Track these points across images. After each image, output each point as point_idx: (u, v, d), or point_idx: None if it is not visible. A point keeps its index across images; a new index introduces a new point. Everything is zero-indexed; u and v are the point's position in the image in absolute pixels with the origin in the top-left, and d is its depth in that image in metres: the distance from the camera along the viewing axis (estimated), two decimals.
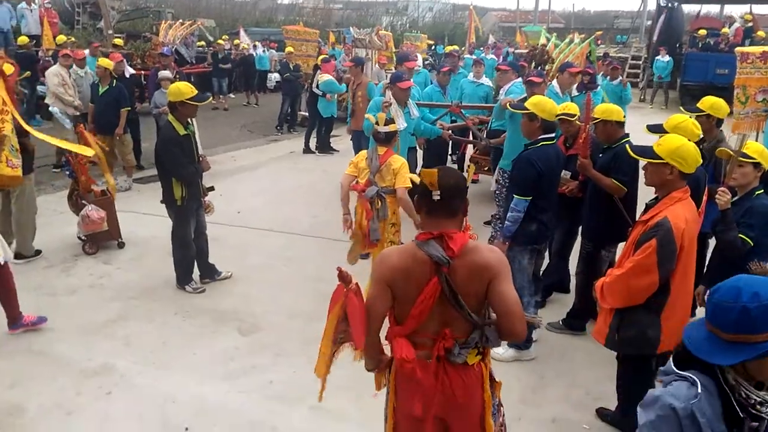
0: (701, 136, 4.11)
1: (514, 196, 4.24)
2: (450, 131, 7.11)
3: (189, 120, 5.15)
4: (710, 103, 4.74)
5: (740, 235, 3.49)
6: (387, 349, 2.51)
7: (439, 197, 2.26)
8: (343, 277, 2.31)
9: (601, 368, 4.35)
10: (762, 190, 3.62)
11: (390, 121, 4.90)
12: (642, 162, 3.29)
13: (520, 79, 7.20)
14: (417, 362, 2.33)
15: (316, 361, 2.56)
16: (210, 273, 5.56)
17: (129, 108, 8.45)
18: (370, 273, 2.34)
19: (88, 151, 5.58)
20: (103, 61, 8.48)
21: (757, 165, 3.59)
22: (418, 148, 7.69)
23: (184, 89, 5.01)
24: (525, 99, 5.69)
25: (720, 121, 4.81)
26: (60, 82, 8.66)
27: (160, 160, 5.15)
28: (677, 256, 3.04)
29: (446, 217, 2.30)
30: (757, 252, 3.60)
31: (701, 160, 3.13)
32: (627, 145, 3.50)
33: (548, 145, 4.30)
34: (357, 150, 8.31)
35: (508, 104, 5.65)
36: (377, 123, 4.87)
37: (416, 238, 2.32)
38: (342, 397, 3.98)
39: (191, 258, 5.37)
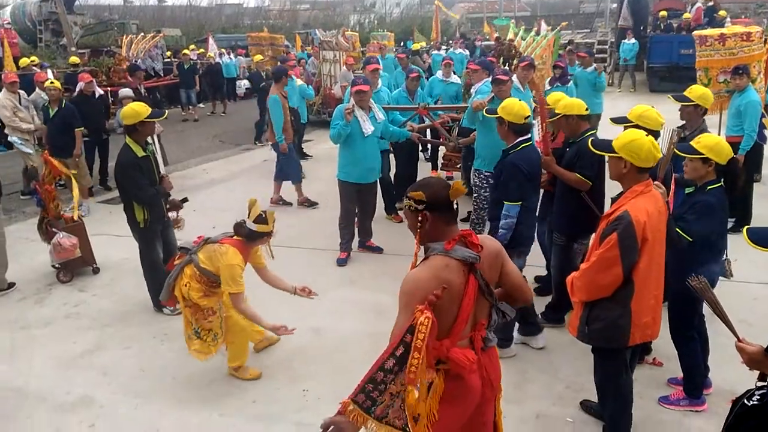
0: (663, 123, 4.17)
1: (505, 202, 4.25)
2: (419, 133, 7.11)
3: (148, 140, 5.08)
4: (699, 93, 4.77)
5: (677, 229, 3.47)
6: None
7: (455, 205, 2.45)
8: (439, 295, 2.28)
9: (582, 360, 4.40)
10: (717, 185, 3.57)
11: (263, 220, 4.03)
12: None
13: (491, 78, 7.25)
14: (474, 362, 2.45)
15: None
16: None
17: (82, 128, 8.23)
18: (404, 301, 2.33)
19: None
20: (54, 83, 8.29)
21: (705, 159, 3.55)
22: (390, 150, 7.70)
23: (140, 109, 4.91)
24: (492, 98, 5.75)
25: (705, 111, 4.89)
26: (12, 113, 8.28)
27: (119, 183, 5.10)
28: (641, 248, 3.08)
29: (456, 221, 2.49)
30: (706, 247, 3.61)
31: (659, 154, 3.17)
32: (589, 141, 3.52)
33: (528, 147, 4.33)
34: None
35: (480, 107, 5.68)
36: (249, 215, 4.04)
37: (444, 248, 2.40)
38: (324, 409, 3.97)
39: (163, 280, 5.30)
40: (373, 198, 6.53)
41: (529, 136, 4.40)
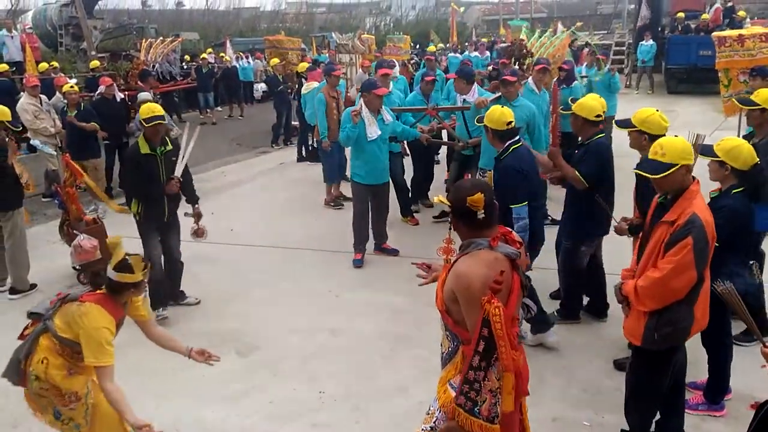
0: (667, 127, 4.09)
1: (512, 207, 4.26)
2: (428, 134, 7.11)
3: (166, 139, 5.17)
4: (766, 96, 4.58)
5: None
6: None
7: (483, 215, 2.43)
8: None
9: (597, 363, 4.41)
10: (741, 188, 3.54)
11: (126, 267, 3.14)
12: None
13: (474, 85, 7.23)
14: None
15: (504, 402, 2.36)
16: (175, 296, 5.52)
17: (98, 126, 8.38)
18: (468, 298, 2.34)
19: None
20: (73, 87, 8.45)
21: (722, 163, 3.54)
22: (407, 153, 7.68)
23: (156, 108, 5.08)
24: (499, 98, 5.78)
25: None
26: (33, 117, 8.39)
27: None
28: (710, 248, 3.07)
29: (488, 227, 2.49)
30: (732, 251, 3.55)
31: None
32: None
33: (517, 147, 4.38)
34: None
35: (482, 104, 5.71)
36: (110, 261, 3.16)
37: (490, 244, 2.42)
38: (340, 410, 4.03)
39: (158, 278, 5.19)
40: (386, 199, 6.55)
41: (517, 138, 4.43)
